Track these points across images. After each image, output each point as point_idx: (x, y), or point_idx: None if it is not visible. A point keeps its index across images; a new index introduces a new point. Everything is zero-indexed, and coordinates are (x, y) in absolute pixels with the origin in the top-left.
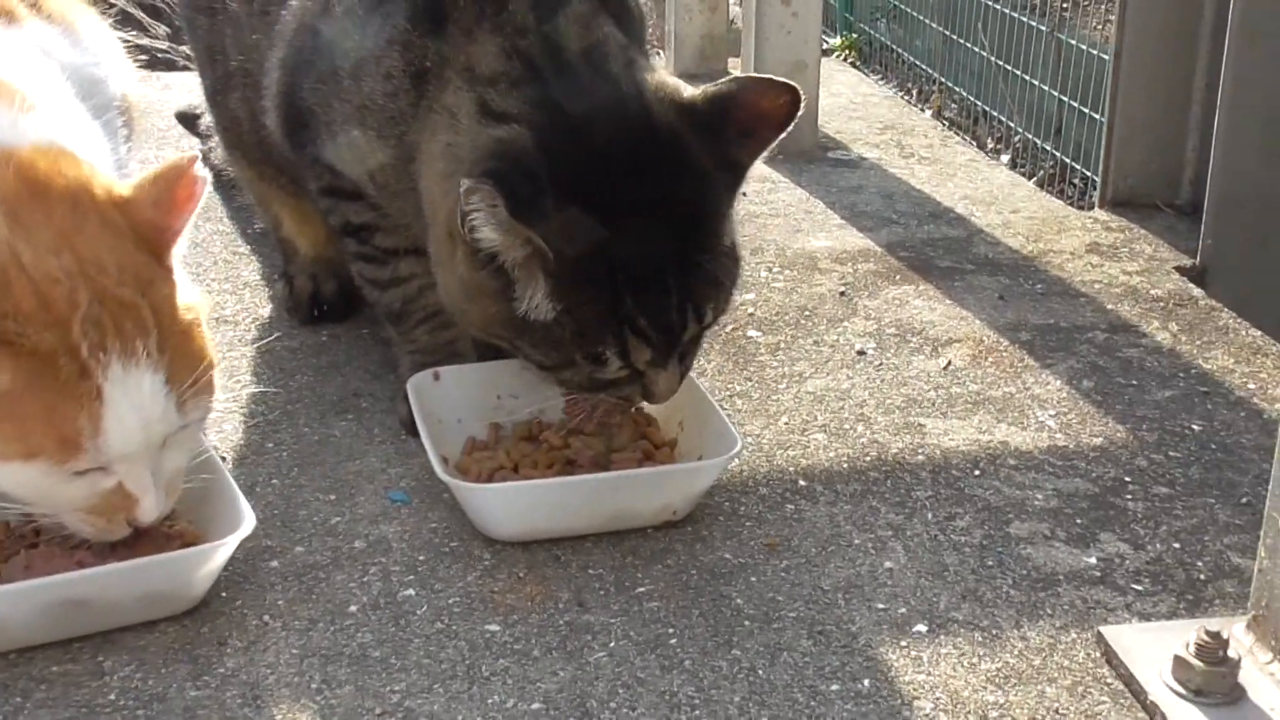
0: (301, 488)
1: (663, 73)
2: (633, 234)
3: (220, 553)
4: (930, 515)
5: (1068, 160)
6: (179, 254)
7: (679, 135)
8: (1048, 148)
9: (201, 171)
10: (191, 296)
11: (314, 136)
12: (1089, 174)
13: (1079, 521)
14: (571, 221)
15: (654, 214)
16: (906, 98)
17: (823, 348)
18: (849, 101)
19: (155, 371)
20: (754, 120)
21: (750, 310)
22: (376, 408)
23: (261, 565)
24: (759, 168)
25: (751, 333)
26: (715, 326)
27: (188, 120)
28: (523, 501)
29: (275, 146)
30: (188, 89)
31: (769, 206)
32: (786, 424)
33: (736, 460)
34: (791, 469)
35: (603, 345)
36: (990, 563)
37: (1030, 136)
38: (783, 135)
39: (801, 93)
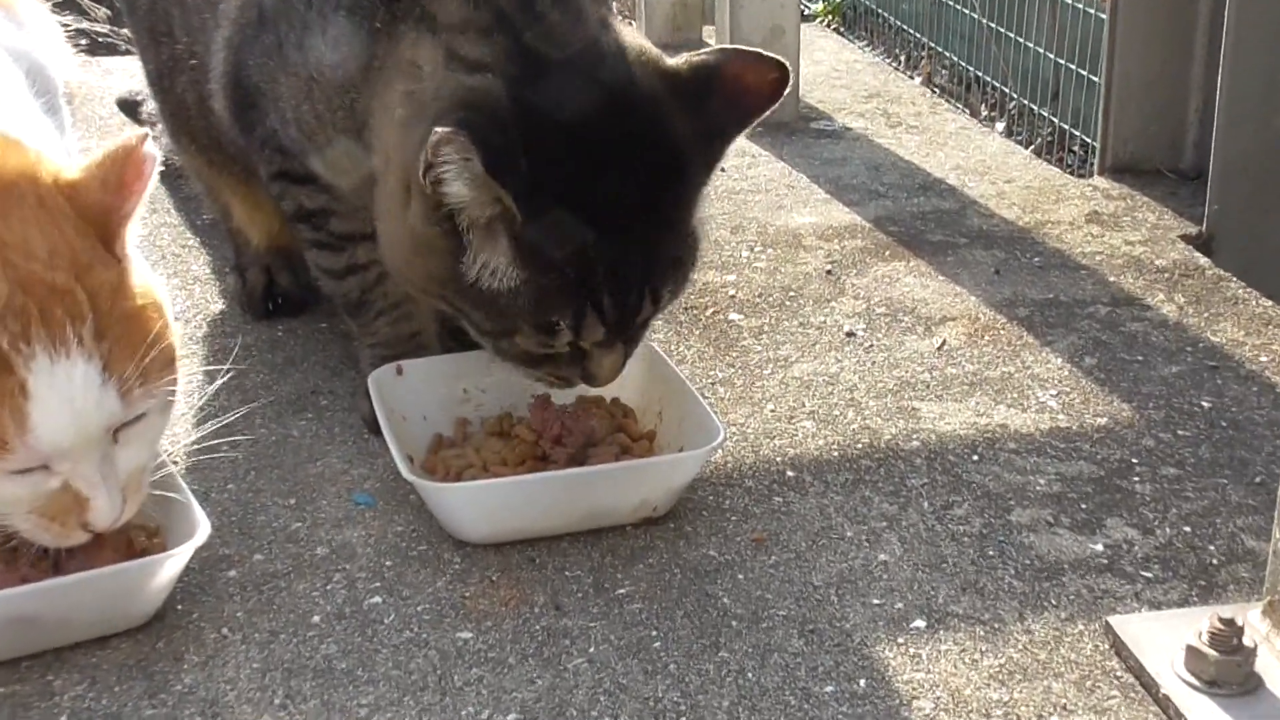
0: (259, 492)
1: (641, 37)
2: (607, 203)
3: (174, 563)
4: (926, 504)
5: (1065, 126)
6: (133, 237)
7: (660, 103)
8: (1044, 113)
9: (152, 150)
10: (148, 281)
11: (262, 117)
12: (1088, 140)
13: (1084, 507)
14: (545, 183)
15: (629, 184)
16: (893, 64)
17: (809, 330)
18: (832, 69)
19: (89, 360)
20: (738, 94)
21: (731, 292)
22: (337, 405)
23: (219, 575)
24: (738, 141)
25: (733, 316)
26: (667, 309)
27: (129, 107)
28: (493, 501)
29: (225, 132)
30: (129, 74)
31: (749, 182)
32: (772, 411)
33: (719, 451)
34: (778, 459)
35: (559, 316)
36: (991, 553)
37: (1025, 102)
38: (768, 113)
39: (790, 69)
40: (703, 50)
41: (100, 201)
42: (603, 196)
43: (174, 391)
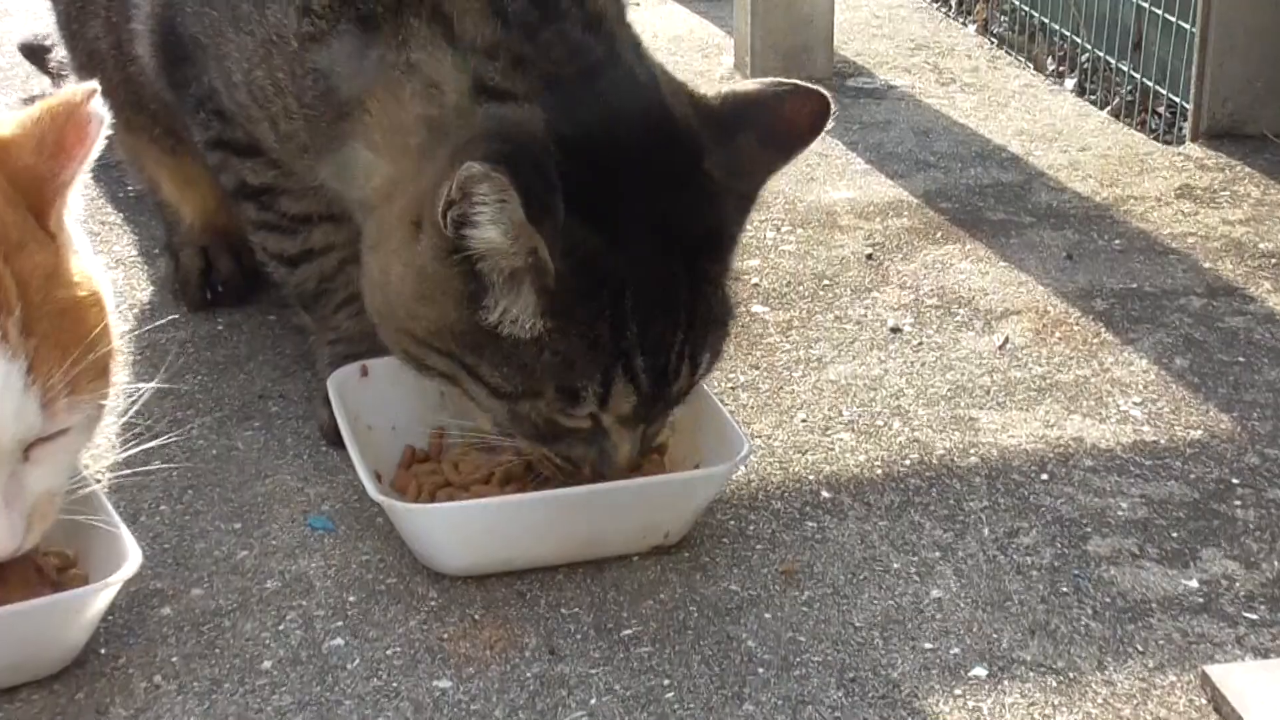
0: (198, 515)
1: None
2: (647, 253)
3: (97, 599)
4: (987, 531)
5: (1149, 83)
6: (71, 212)
7: (699, 142)
8: (1124, 68)
9: (99, 110)
10: (88, 266)
11: (199, 73)
12: (1176, 99)
13: (1174, 535)
14: (582, 231)
15: (670, 232)
16: (944, 9)
17: (847, 325)
18: (872, 16)
19: (11, 360)
20: (774, 130)
21: (755, 280)
22: (289, 412)
23: (150, 613)
24: None
25: (757, 308)
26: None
27: (34, 53)
28: (475, 525)
29: (147, 87)
30: (34, 15)
31: None
32: (804, 421)
33: (743, 468)
34: (812, 477)
35: (586, 380)
36: (1064, 589)
37: (1101, 54)
38: (806, 150)
39: (832, 103)
40: (734, 83)
41: (34, 166)
42: (643, 244)
43: (104, 405)
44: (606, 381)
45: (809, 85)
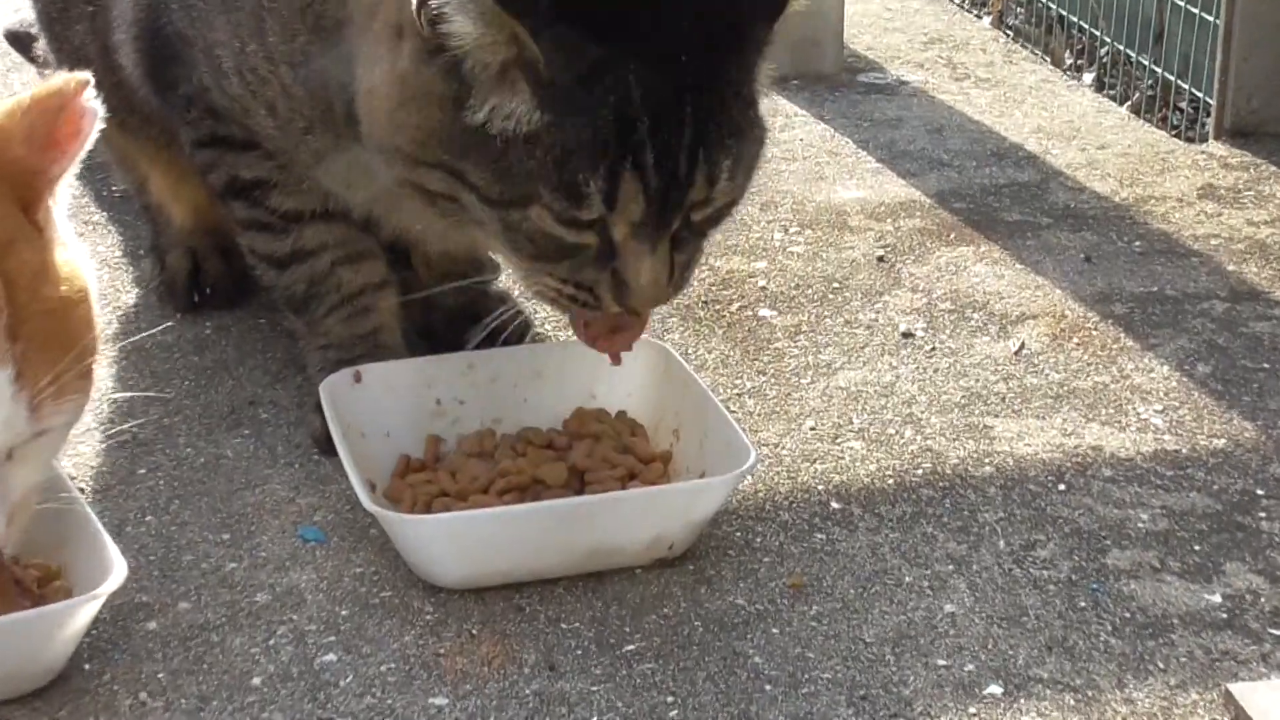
0: (185, 525)
1: None
2: (655, 41)
3: (81, 613)
4: (1002, 544)
5: (1171, 78)
6: (60, 208)
7: None
8: (1145, 62)
9: (92, 103)
10: (77, 263)
11: (188, 72)
12: (1199, 95)
13: (1197, 549)
14: (581, 17)
15: (681, 25)
16: (958, 1)
17: (857, 330)
18: (883, 8)
19: (0, 367)
20: None
21: (762, 283)
22: (280, 419)
23: (135, 627)
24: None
25: (764, 311)
26: (726, 214)
27: (20, 41)
28: (473, 537)
29: (139, 86)
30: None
31: (783, 148)
32: (813, 429)
33: (749, 478)
34: (821, 487)
35: (588, 172)
36: (1082, 604)
37: (1121, 48)
38: None
39: None
40: None
41: (24, 158)
42: (651, 30)
43: (85, 404)
44: (612, 176)
45: None
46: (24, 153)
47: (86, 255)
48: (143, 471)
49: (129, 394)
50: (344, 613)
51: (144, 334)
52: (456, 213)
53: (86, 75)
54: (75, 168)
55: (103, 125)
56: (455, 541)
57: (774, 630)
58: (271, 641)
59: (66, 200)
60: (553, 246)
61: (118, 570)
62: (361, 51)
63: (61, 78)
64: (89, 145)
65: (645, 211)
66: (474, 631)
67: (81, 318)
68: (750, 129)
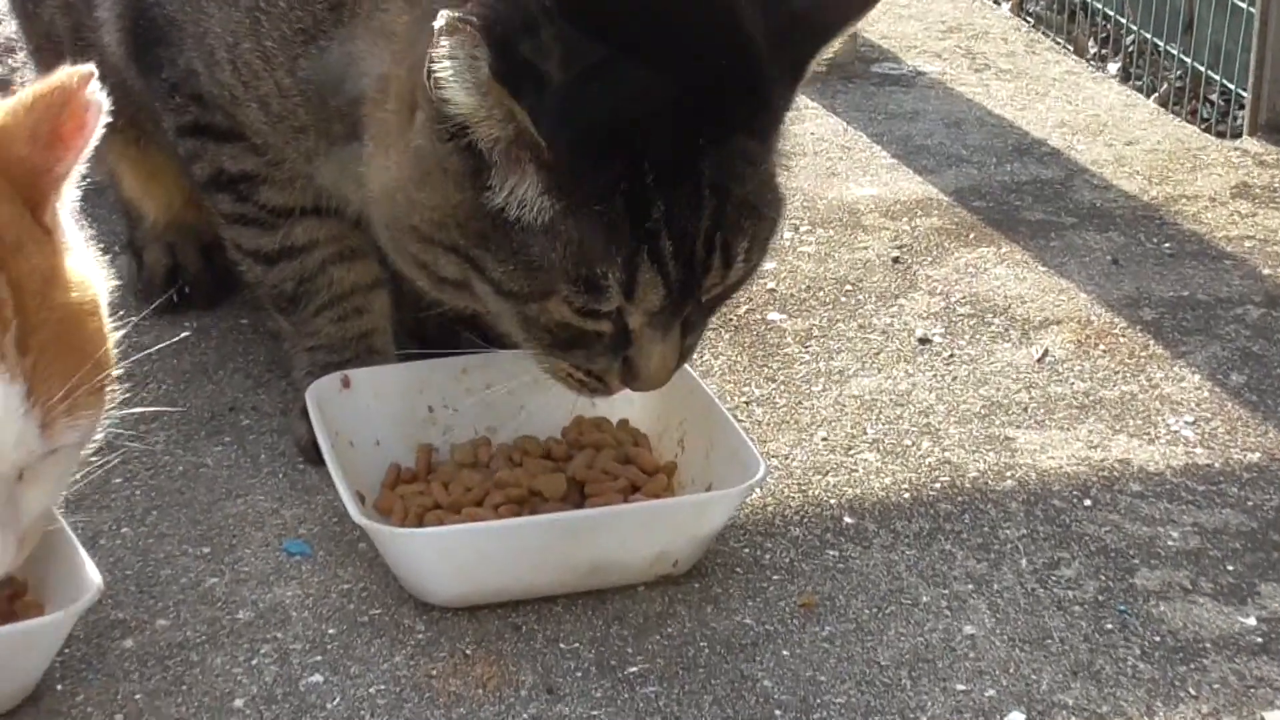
0: (163, 538)
1: None
2: (669, 122)
3: (53, 631)
4: (1025, 562)
5: (1202, 68)
6: (66, 207)
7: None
8: (1174, 51)
9: (97, 96)
10: (85, 269)
11: (174, 55)
12: (1232, 87)
13: (1230, 568)
14: (590, 95)
15: (697, 100)
16: None
17: (871, 335)
18: None
19: (10, 383)
20: None
21: (771, 285)
22: (263, 426)
23: (110, 645)
24: None
25: (773, 315)
26: (736, 291)
27: None
28: (467, 552)
29: (109, 73)
30: None
31: (792, 142)
32: (825, 440)
33: (758, 490)
34: (833, 501)
35: (606, 265)
36: (1109, 626)
37: (1149, 36)
38: (857, 24)
39: None
40: None
41: (28, 157)
42: (664, 108)
43: (99, 421)
44: (630, 268)
45: None
46: (28, 152)
47: (95, 260)
48: (118, 481)
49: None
50: (331, 631)
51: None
52: (464, 298)
53: (90, 67)
54: (81, 166)
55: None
56: (448, 557)
57: (784, 652)
58: (254, 661)
59: (72, 201)
60: (568, 335)
61: (92, 586)
62: (374, 135)
63: (64, 71)
64: (95, 141)
65: (663, 299)
66: (468, 652)
67: (95, 328)
68: (768, 207)
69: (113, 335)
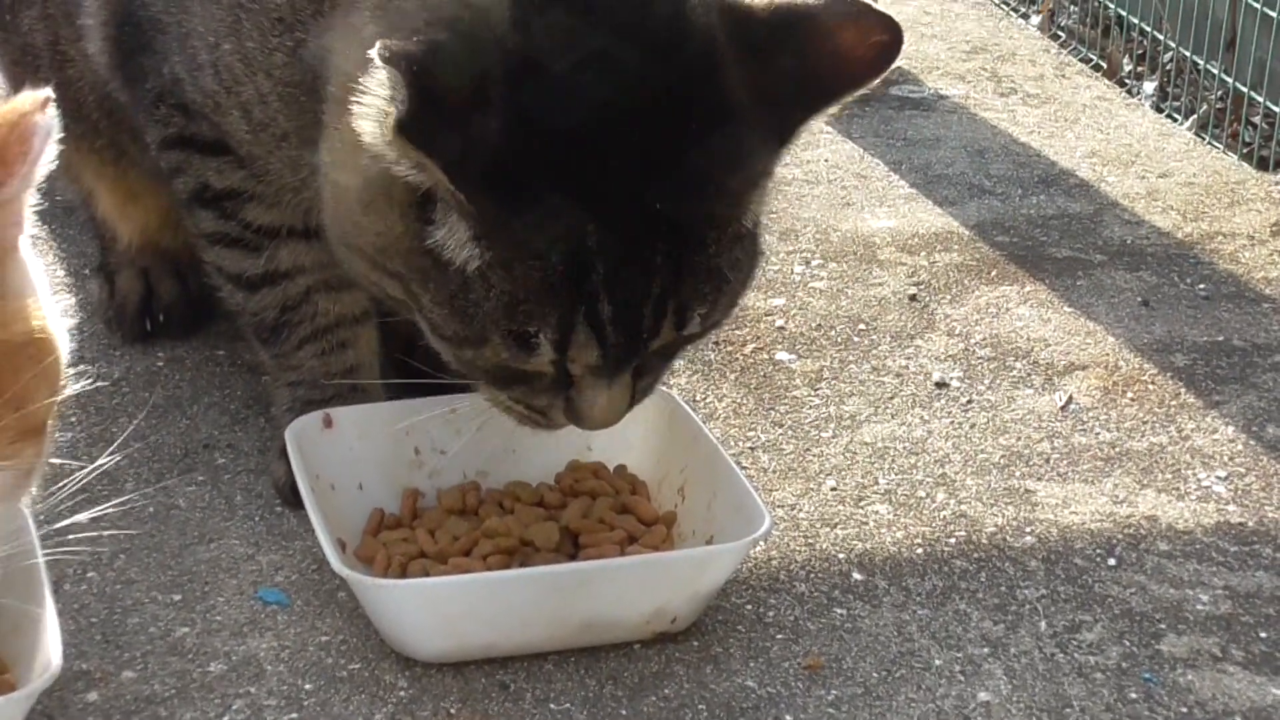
0: (131, 584)
1: None
2: (619, 179)
3: (11, 709)
4: (1044, 625)
5: (1244, 89)
6: (14, 234)
7: (714, 48)
8: (1213, 70)
9: (47, 120)
10: (36, 299)
11: (159, 63)
12: (1276, 110)
13: (1263, 635)
14: (531, 145)
15: (654, 157)
16: (1003, 5)
17: (885, 377)
18: (921, 11)
19: None
20: (822, 58)
21: (779, 322)
22: (239, 466)
23: (73, 699)
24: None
25: (781, 355)
26: (700, 339)
27: None
28: (453, 604)
29: (89, 90)
30: None
31: (805, 169)
32: (834, 490)
33: (762, 544)
34: (841, 556)
35: (539, 325)
36: (1133, 695)
37: (1187, 54)
38: (865, 89)
39: (902, 31)
40: None
41: None
42: (614, 167)
43: (32, 468)
44: (563, 329)
45: (880, 10)
46: None
47: (54, 301)
48: (84, 522)
49: (69, 433)
50: (308, 686)
51: (87, 363)
52: (413, 315)
53: (48, 92)
54: (28, 190)
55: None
56: (433, 609)
57: (787, 717)
58: (226, 717)
59: (28, 230)
60: (506, 374)
61: (48, 667)
62: (330, 143)
63: (22, 96)
64: (43, 166)
65: (602, 359)
66: (452, 710)
67: (37, 360)
68: (736, 266)
69: (60, 384)
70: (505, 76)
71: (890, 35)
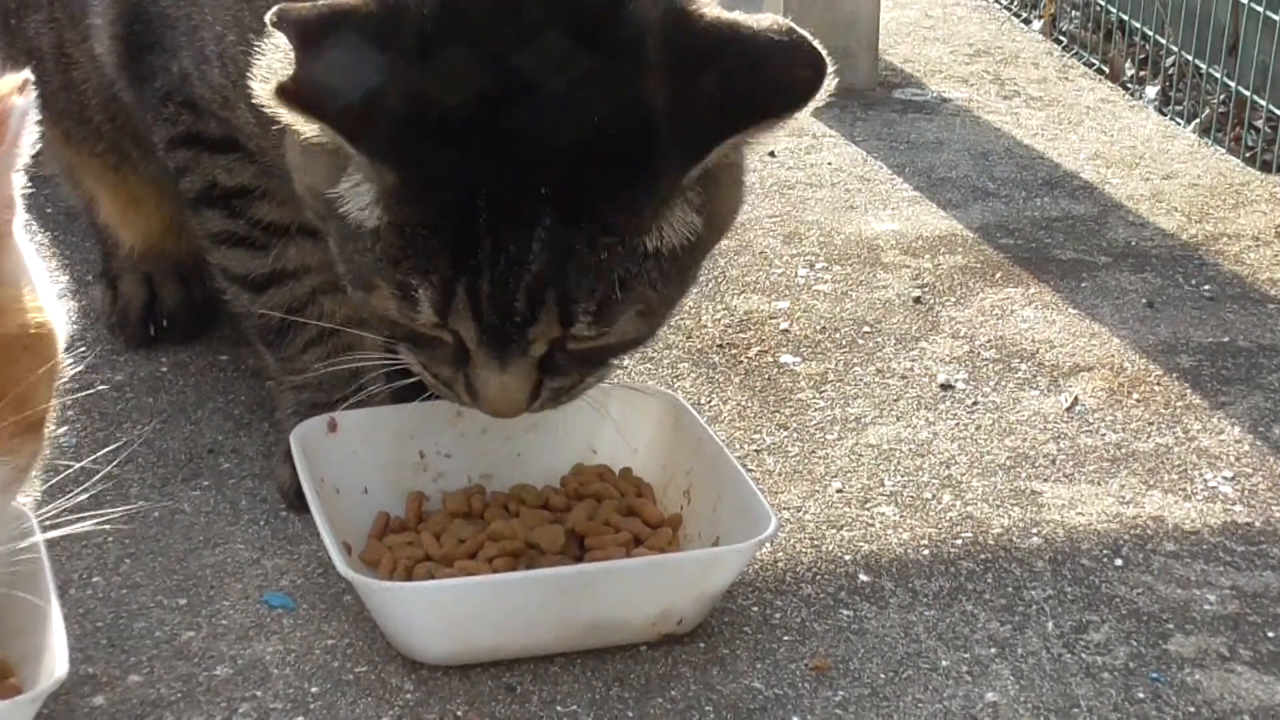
0: (136, 588)
1: None
2: (514, 160)
3: (17, 714)
4: (1051, 625)
5: (1247, 93)
6: (5, 220)
7: (642, 50)
8: (1216, 74)
9: (24, 102)
10: (32, 286)
11: (167, 60)
12: (1279, 113)
13: (1271, 635)
14: (436, 120)
15: (554, 146)
16: (1007, 6)
17: (890, 380)
18: (923, 15)
19: None
20: (742, 83)
21: (784, 325)
22: (244, 470)
23: (80, 703)
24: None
25: (786, 358)
26: (617, 353)
27: None
28: (459, 607)
29: (92, 93)
30: None
31: (808, 172)
32: (840, 492)
33: (768, 546)
34: (848, 558)
35: (420, 281)
36: (1141, 695)
37: (1190, 58)
38: (779, 125)
39: (829, 70)
40: (738, 15)
41: None
42: (512, 149)
43: (26, 467)
44: (444, 292)
45: (811, 45)
46: None
47: (55, 295)
48: (88, 525)
49: (73, 439)
50: (314, 690)
51: (90, 369)
52: None
53: (26, 73)
54: (12, 174)
55: (39, 123)
56: (439, 612)
57: (794, 718)
58: None
59: (20, 216)
60: (406, 331)
61: (52, 673)
62: None
63: (4, 78)
64: (24, 148)
65: (479, 333)
66: (459, 713)
67: (24, 353)
68: (645, 280)
69: (59, 377)
70: (418, 47)
71: (814, 72)
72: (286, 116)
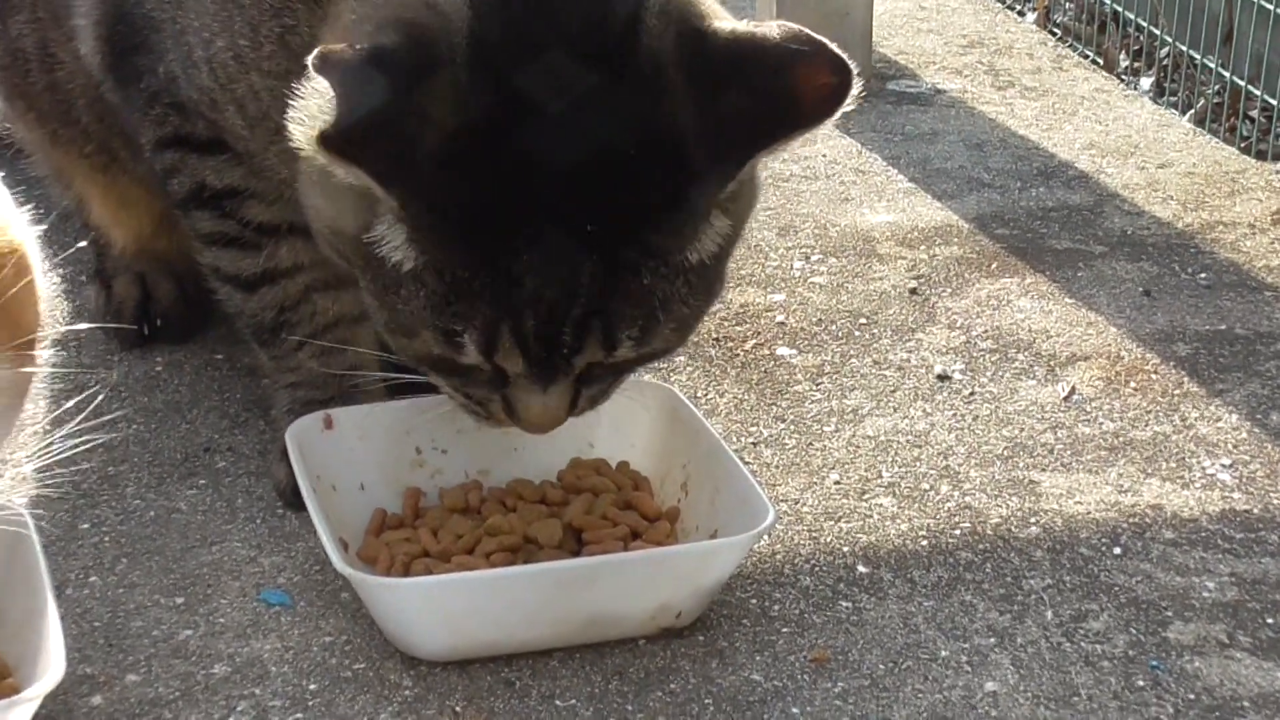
0: (133, 587)
1: None
2: (553, 198)
3: (15, 714)
4: (1050, 615)
5: (1241, 82)
6: None
7: (663, 73)
8: (1210, 64)
9: None
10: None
11: (153, 62)
12: (1273, 103)
13: (1270, 621)
14: (471, 161)
15: (591, 181)
16: (999, 0)
17: (887, 371)
18: (916, 6)
19: None
20: (769, 97)
21: (780, 318)
22: (240, 468)
23: (78, 703)
24: None
25: (782, 350)
26: (649, 361)
27: None
28: (457, 603)
29: (79, 93)
30: None
31: (803, 165)
32: (837, 484)
33: (766, 538)
34: (846, 549)
35: (464, 325)
36: (1140, 683)
37: (1184, 49)
38: (808, 134)
39: (855, 73)
40: (762, 23)
41: None
42: (549, 187)
43: (15, 408)
44: (488, 335)
45: (833, 51)
46: None
47: (17, 212)
48: (85, 526)
49: (70, 440)
50: (312, 687)
51: (85, 368)
52: None
53: None
54: None
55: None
56: (437, 608)
57: (794, 709)
58: (231, 719)
59: None
60: (446, 366)
61: (50, 671)
62: None
63: None
64: None
65: (526, 366)
66: (458, 709)
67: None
68: (678, 297)
69: (37, 297)
70: (452, 94)
71: (840, 78)
72: (326, 162)
